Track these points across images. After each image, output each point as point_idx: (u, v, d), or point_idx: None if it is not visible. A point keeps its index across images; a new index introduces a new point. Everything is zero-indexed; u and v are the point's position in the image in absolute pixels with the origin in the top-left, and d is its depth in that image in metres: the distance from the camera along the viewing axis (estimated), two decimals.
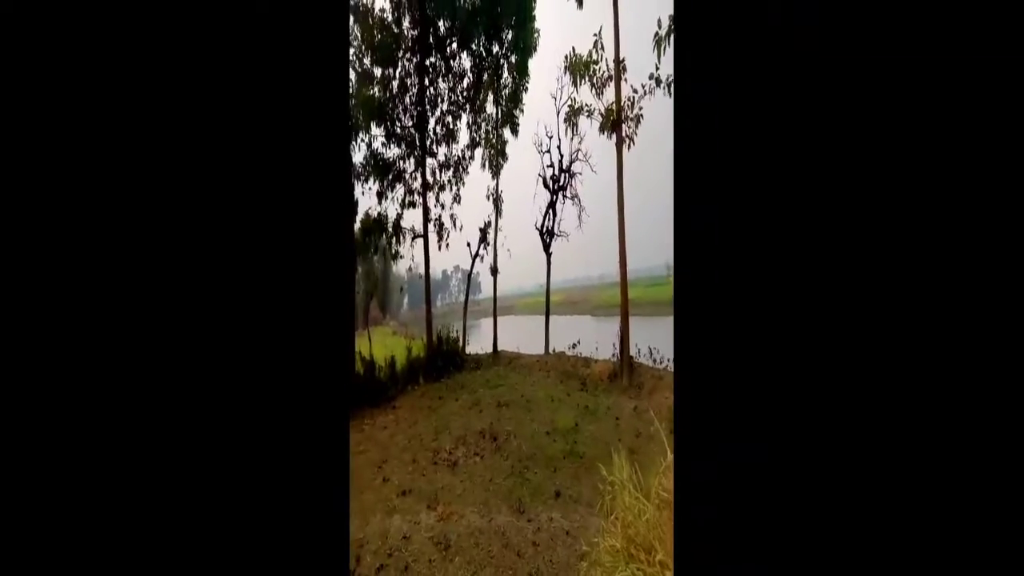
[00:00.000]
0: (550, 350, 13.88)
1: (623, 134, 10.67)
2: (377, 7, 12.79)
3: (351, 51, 12.81)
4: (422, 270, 13.78)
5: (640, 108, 11.10)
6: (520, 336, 16.31)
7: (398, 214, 13.90)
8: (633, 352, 10.58)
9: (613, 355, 10.77)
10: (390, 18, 12.93)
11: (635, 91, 11.03)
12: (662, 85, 10.72)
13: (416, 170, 13.80)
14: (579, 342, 13.06)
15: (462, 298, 17.55)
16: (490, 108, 15.10)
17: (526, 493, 5.35)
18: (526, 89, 15.15)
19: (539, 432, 7.15)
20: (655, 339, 11.84)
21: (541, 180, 14.74)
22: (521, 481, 5.66)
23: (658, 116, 11.46)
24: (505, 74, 14.83)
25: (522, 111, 15.27)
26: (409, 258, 14.68)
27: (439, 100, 14.17)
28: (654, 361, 11.20)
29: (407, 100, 13.54)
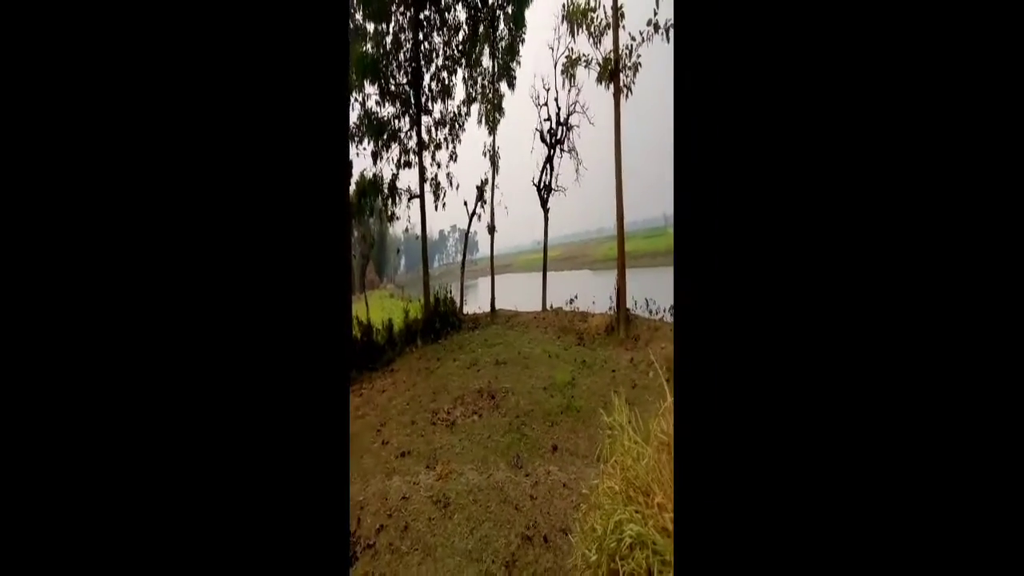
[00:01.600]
0: (548, 306, 13.87)
1: (621, 84, 10.43)
2: None
3: None
4: (419, 231, 13.63)
5: (638, 56, 10.91)
6: (518, 294, 16.31)
7: (393, 174, 13.61)
8: (630, 304, 10.58)
9: (610, 308, 10.76)
10: None
11: (633, 39, 10.80)
12: (660, 31, 10.45)
13: (411, 129, 13.47)
14: (576, 297, 13.00)
15: (460, 258, 17.45)
16: (486, 62, 14.64)
17: (524, 448, 5.40)
18: (523, 41, 14.67)
19: (536, 388, 7.20)
20: (652, 290, 11.77)
21: (538, 135, 14.42)
22: (519, 437, 5.71)
23: (657, 64, 11.28)
24: (501, 26, 14.31)
25: (519, 64, 14.82)
26: (405, 219, 14.60)
27: (434, 55, 13.69)
28: (651, 312, 11.16)
29: (401, 56, 13.10)
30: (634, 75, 10.93)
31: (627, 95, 10.69)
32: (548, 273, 15.29)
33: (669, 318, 10.62)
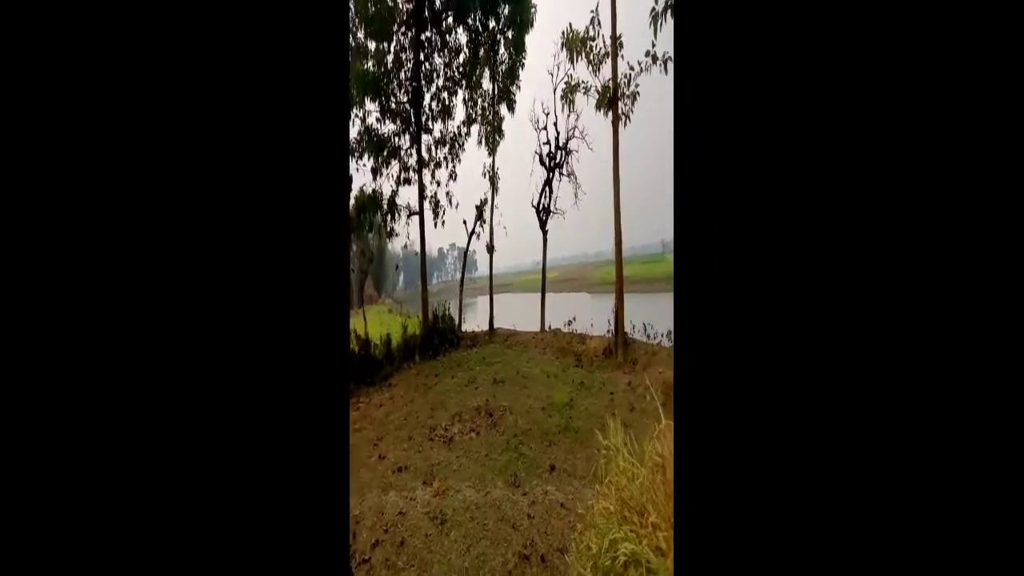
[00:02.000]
0: (546, 327, 13.92)
1: (619, 111, 10.59)
2: None
3: None
4: (417, 248, 13.75)
5: (636, 85, 11.04)
6: (516, 313, 16.31)
7: (393, 191, 13.84)
8: (628, 328, 10.62)
9: (608, 331, 10.82)
10: None
11: (631, 68, 10.94)
12: (658, 62, 10.55)
13: (411, 146, 13.67)
14: (575, 319, 13.07)
15: (458, 276, 17.51)
16: (486, 84, 14.93)
17: (521, 467, 5.41)
18: (523, 65, 14.96)
19: (535, 407, 7.23)
20: (650, 315, 11.90)
21: (537, 157, 14.59)
22: (516, 456, 5.72)
23: (654, 93, 11.57)
24: (501, 50, 14.60)
25: (519, 88, 15.11)
26: (404, 236, 14.68)
27: (435, 75, 13.97)
28: (648, 337, 11.23)
29: (402, 75, 13.34)
30: (632, 104, 11.10)
31: (625, 123, 10.88)
32: (547, 294, 15.37)
33: (667, 343, 10.71)
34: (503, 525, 4.31)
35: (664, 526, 2.17)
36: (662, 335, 11.17)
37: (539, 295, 15.23)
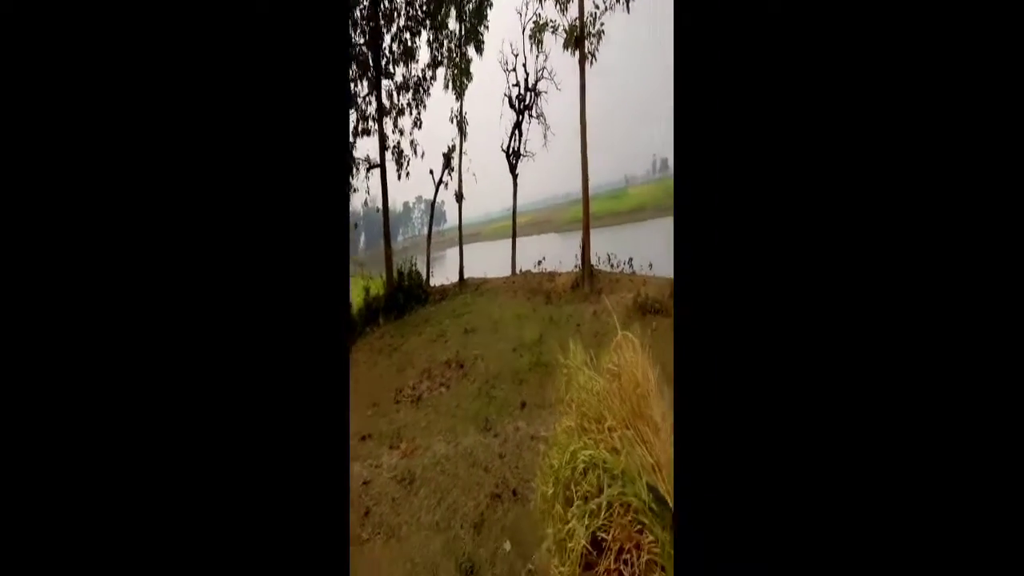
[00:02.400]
0: (517, 271, 13.75)
1: (585, 50, 10.76)
2: None
3: None
4: (379, 204, 13.10)
5: (602, 24, 11.21)
6: (488, 261, 16.09)
7: (350, 143, 12.94)
8: (594, 261, 10.77)
9: (576, 266, 10.90)
10: None
11: (597, 7, 11.14)
12: (621, 1, 10.92)
13: (370, 93, 12.74)
14: (544, 259, 12.94)
15: (425, 231, 17.08)
16: (453, 24, 14.01)
17: (492, 411, 5.36)
18: (491, 4, 14.11)
19: (505, 350, 7.14)
20: (614, 246, 12.16)
21: (507, 100, 14.06)
22: (487, 400, 5.67)
23: (618, 32, 11.65)
24: None
25: (487, 28, 14.22)
26: (364, 191, 13.98)
27: (395, 15, 12.91)
28: (612, 267, 11.41)
29: (357, 14, 12.22)
30: (598, 43, 11.15)
31: (591, 62, 10.98)
32: (517, 238, 15.13)
33: (628, 270, 11.06)
34: (475, 470, 4.26)
35: (618, 427, 2.17)
36: (624, 263, 11.39)
37: (510, 241, 14.97)
